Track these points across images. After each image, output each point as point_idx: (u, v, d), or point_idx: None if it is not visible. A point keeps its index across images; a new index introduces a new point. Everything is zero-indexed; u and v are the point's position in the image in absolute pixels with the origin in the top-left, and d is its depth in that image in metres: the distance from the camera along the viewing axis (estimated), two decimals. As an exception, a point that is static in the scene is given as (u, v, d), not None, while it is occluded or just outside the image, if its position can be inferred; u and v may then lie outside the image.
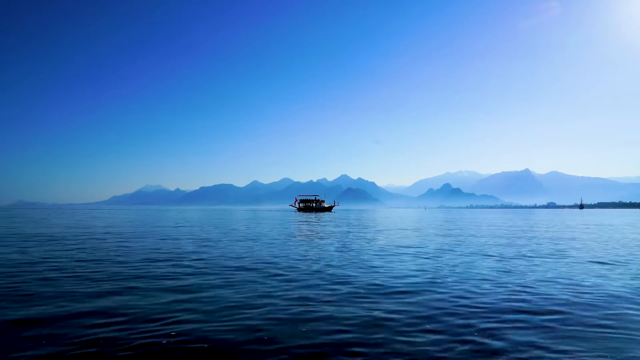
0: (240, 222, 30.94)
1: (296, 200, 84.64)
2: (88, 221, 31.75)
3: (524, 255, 10.67)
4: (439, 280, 7.01)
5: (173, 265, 8.61)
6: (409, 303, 5.41)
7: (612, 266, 8.90)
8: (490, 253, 11.19)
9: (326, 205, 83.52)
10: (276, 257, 10.20)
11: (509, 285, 6.60)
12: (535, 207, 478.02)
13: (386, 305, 5.25)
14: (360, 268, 8.43)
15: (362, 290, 6.20)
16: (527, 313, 4.95)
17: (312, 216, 48.32)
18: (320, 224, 28.74)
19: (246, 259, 9.80)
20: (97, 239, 15.32)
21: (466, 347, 3.79)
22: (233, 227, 24.13)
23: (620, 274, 7.90)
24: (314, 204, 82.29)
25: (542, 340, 3.98)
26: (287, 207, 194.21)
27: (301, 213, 66.04)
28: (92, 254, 10.50)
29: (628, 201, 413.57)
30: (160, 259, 9.73)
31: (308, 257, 10.16)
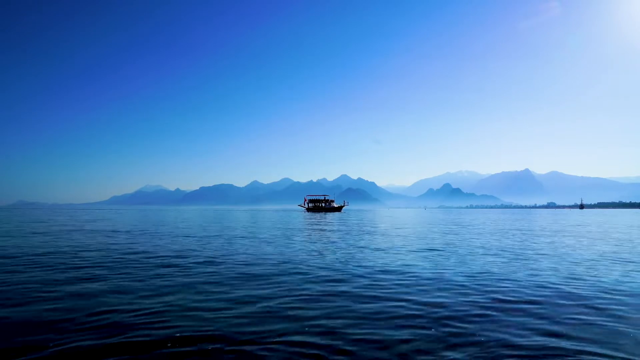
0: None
1: (305, 200, 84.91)
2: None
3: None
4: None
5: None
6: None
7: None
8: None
9: (336, 205, 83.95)
10: None
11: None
12: (535, 207, 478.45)
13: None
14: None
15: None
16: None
17: (321, 217, 48.24)
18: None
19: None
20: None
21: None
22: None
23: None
24: (323, 204, 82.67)
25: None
26: (288, 207, 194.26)
27: (310, 213, 66.34)
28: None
29: (628, 201, 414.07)
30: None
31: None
